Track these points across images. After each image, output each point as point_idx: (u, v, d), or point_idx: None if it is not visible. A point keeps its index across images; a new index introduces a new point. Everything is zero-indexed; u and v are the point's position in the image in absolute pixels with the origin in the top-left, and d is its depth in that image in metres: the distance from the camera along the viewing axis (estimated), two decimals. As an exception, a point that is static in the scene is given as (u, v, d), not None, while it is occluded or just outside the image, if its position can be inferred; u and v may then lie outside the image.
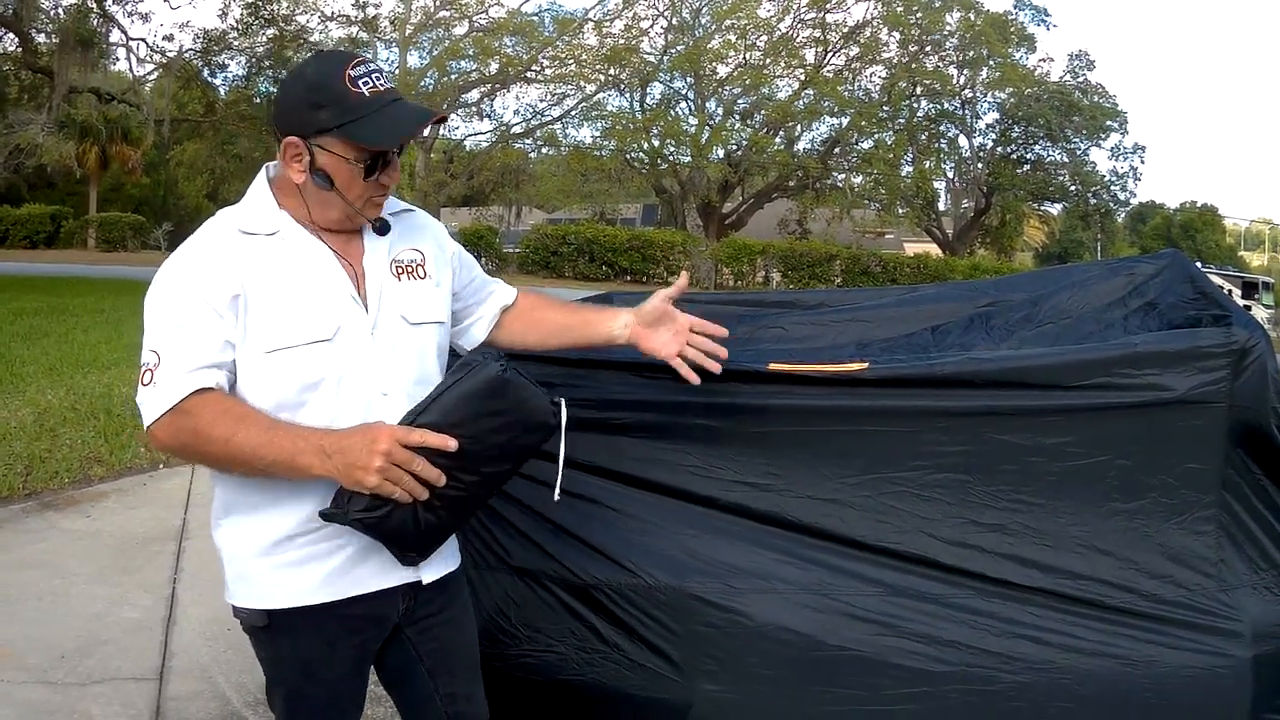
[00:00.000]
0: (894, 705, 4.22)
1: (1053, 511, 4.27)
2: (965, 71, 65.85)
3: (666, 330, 4.06)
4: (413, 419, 3.26)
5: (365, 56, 3.51)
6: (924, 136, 66.51)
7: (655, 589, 4.30)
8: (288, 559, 3.44)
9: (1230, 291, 60.30)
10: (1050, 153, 68.43)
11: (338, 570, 3.47)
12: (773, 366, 4.37)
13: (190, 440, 3.24)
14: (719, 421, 4.43)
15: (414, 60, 64.41)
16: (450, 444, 3.20)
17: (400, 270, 3.65)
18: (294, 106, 3.40)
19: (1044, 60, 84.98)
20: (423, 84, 62.78)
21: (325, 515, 3.28)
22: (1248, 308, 58.35)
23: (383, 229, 3.57)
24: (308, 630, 3.50)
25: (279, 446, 3.19)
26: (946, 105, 66.74)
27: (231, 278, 3.29)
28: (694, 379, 4.07)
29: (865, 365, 4.32)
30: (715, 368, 4.07)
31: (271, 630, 3.52)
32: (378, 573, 3.52)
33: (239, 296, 3.29)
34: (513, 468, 3.61)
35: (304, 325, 3.36)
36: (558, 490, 3.83)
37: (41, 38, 45.52)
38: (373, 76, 3.41)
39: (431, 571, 3.68)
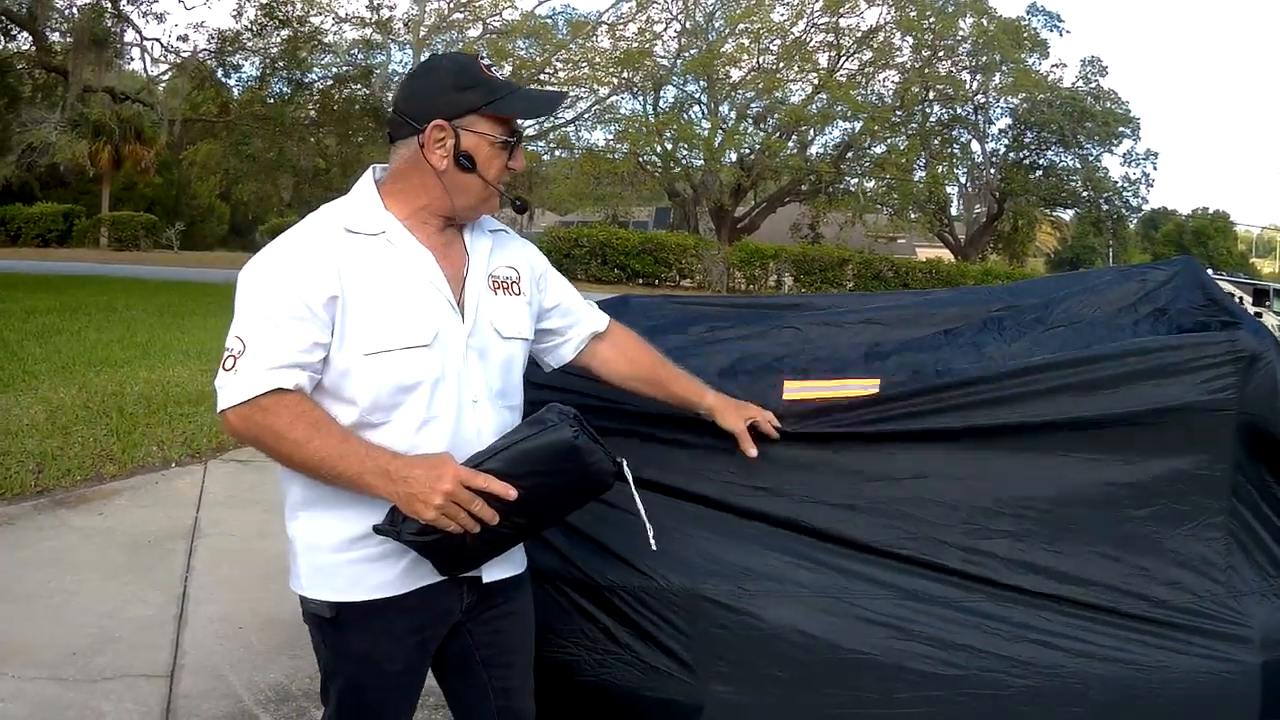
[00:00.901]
0: (906, 709, 4.24)
1: (1063, 518, 4.29)
2: (978, 77, 65.75)
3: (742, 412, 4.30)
4: (479, 463, 3.35)
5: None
6: (937, 141, 66.35)
7: (668, 591, 4.33)
8: (366, 554, 3.51)
9: (1241, 299, 60.24)
10: (1063, 159, 68.41)
11: (410, 565, 3.53)
12: (787, 385, 4.44)
13: (263, 435, 3.32)
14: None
15: (427, 62, 64.35)
16: (511, 493, 3.30)
17: (496, 285, 3.76)
18: (440, 91, 3.52)
19: (1057, 66, 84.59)
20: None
21: (379, 530, 3.36)
22: (1259, 314, 58.26)
23: (522, 207, 3.85)
24: (374, 624, 3.57)
25: (348, 462, 3.28)
26: (959, 110, 66.57)
27: (332, 278, 3.37)
28: (753, 451, 4.32)
29: (876, 385, 4.39)
30: (773, 434, 4.38)
31: (338, 623, 3.58)
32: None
33: (337, 298, 3.36)
34: (565, 514, 3.82)
35: (404, 329, 3.44)
36: (653, 541, 3.91)
37: (56, 36, 45.60)
38: (496, 67, 3.60)
39: (493, 573, 3.75)
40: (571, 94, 64.33)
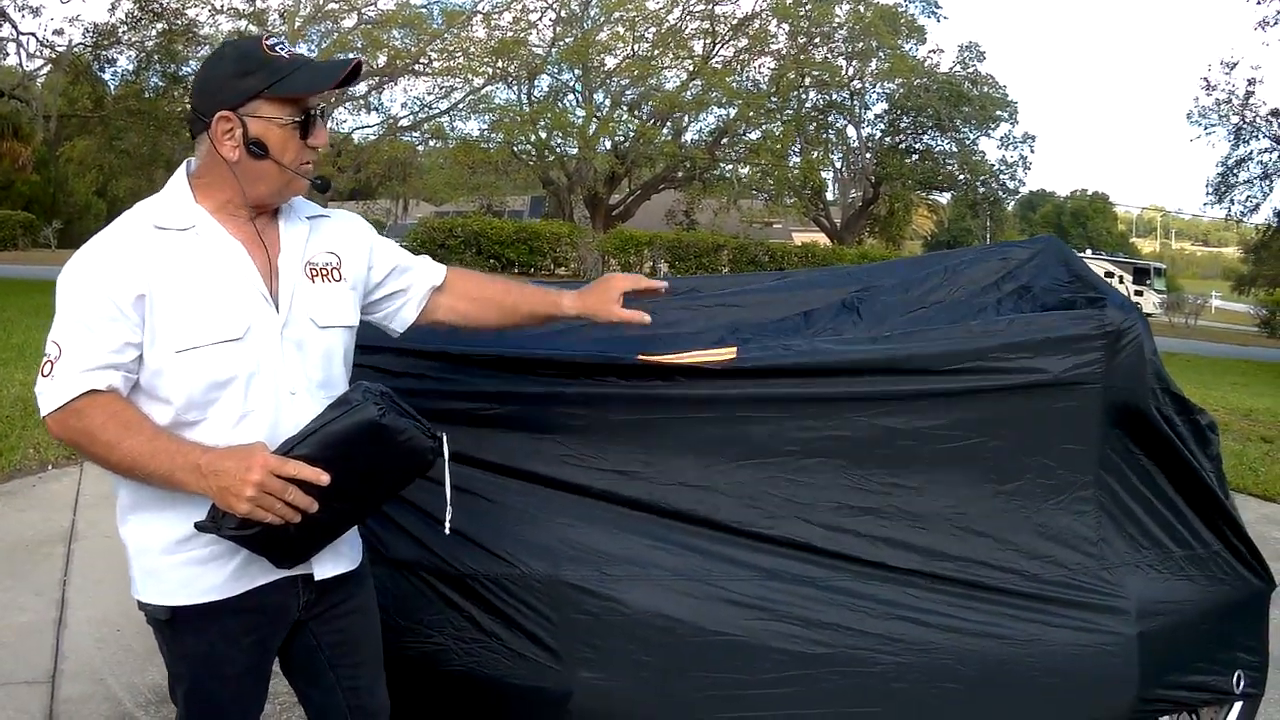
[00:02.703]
0: (774, 689, 4.24)
1: (927, 494, 4.34)
2: (854, 63, 65.89)
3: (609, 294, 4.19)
4: (289, 449, 3.26)
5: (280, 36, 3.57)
6: (812, 127, 66.51)
7: (531, 578, 4.30)
8: (193, 556, 3.44)
9: (1122, 278, 60.98)
10: (939, 142, 68.62)
11: (240, 565, 3.47)
12: (641, 358, 4.40)
13: (79, 439, 3.27)
14: (590, 411, 4.46)
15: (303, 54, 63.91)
16: (323, 478, 3.21)
17: (314, 273, 3.67)
18: (221, 81, 3.43)
19: (934, 51, 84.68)
20: (311, 77, 62.55)
21: (199, 527, 3.28)
22: (1139, 293, 58.83)
23: (324, 186, 3.67)
24: (209, 626, 3.51)
25: (158, 461, 3.21)
26: (835, 96, 66.78)
27: (138, 277, 3.29)
28: (646, 319, 4.18)
29: (734, 351, 4.36)
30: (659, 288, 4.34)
31: (174, 625, 3.52)
32: (272, 567, 3.50)
33: (144, 296, 3.29)
34: (389, 495, 3.69)
35: (214, 324, 3.36)
36: (448, 525, 3.78)
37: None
38: (285, 45, 3.49)
39: (325, 569, 3.67)
40: (449, 84, 64.28)
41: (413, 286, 4.06)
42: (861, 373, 4.32)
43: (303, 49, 61.04)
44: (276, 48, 3.44)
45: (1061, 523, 4.38)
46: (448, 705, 4.58)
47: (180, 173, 3.58)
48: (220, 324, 3.35)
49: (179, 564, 3.44)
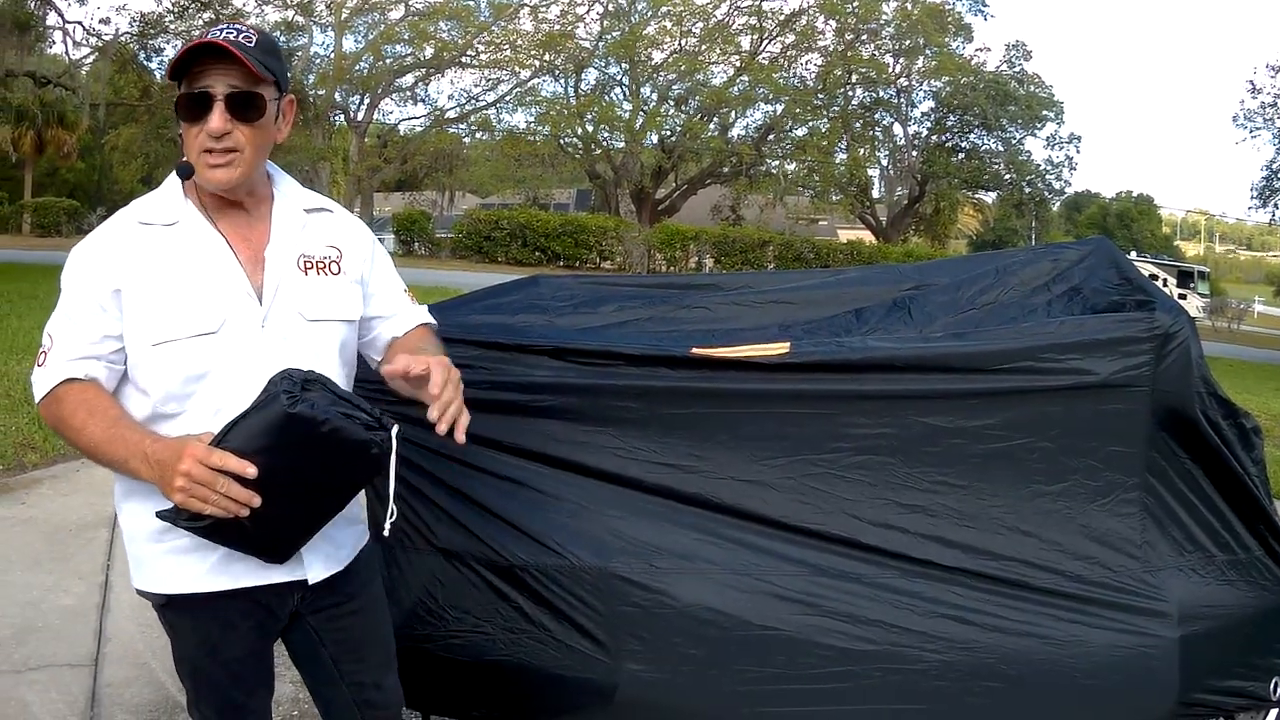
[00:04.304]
0: (819, 684, 4.26)
1: (975, 493, 4.34)
2: (901, 60, 65.59)
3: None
4: (219, 439, 3.16)
5: (243, 22, 3.52)
6: (859, 124, 66.26)
7: (580, 570, 4.31)
8: (175, 546, 3.46)
9: (1165, 281, 60.64)
10: (985, 141, 68.14)
11: (221, 561, 3.46)
12: (695, 351, 4.40)
13: (59, 425, 3.38)
14: (642, 405, 4.45)
15: (350, 45, 63.88)
16: (248, 470, 3.08)
17: (309, 265, 3.63)
18: None
19: (981, 50, 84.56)
20: (358, 68, 62.66)
21: (160, 516, 3.25)
22: (1183, 297, 58.55)
23: (183, 171, 3.49)
24: (204, 612, 3.54)
25: (115, 448, 3.25)
26: (882, 93, 66.50)
27: (115, 272, 3.37)
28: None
29: (787, 347, 4.37)
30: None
31: (171, 609, 3.57)
32: (260, 568, 3.49)
33: (120, 291, 3.36)
34: (347, 489, 3.51)
35: (189, 318, 3.37)
36: (387, 526, 3.56)
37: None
38: (219, 29, 3.42)
39: (318, 571, 3.65)
40: (496, 76, 64.37)
41: (396, 316, 3.94)
42: (913, 370, 4.32)
43: (349, 41, 60.65)
44: (194, 32, 3.40)
45: (1106, 524, 4.38)
46: (495, 695, 4.59)
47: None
48: (195, 318, 3.37)
49: (163, 553, 3.49)
